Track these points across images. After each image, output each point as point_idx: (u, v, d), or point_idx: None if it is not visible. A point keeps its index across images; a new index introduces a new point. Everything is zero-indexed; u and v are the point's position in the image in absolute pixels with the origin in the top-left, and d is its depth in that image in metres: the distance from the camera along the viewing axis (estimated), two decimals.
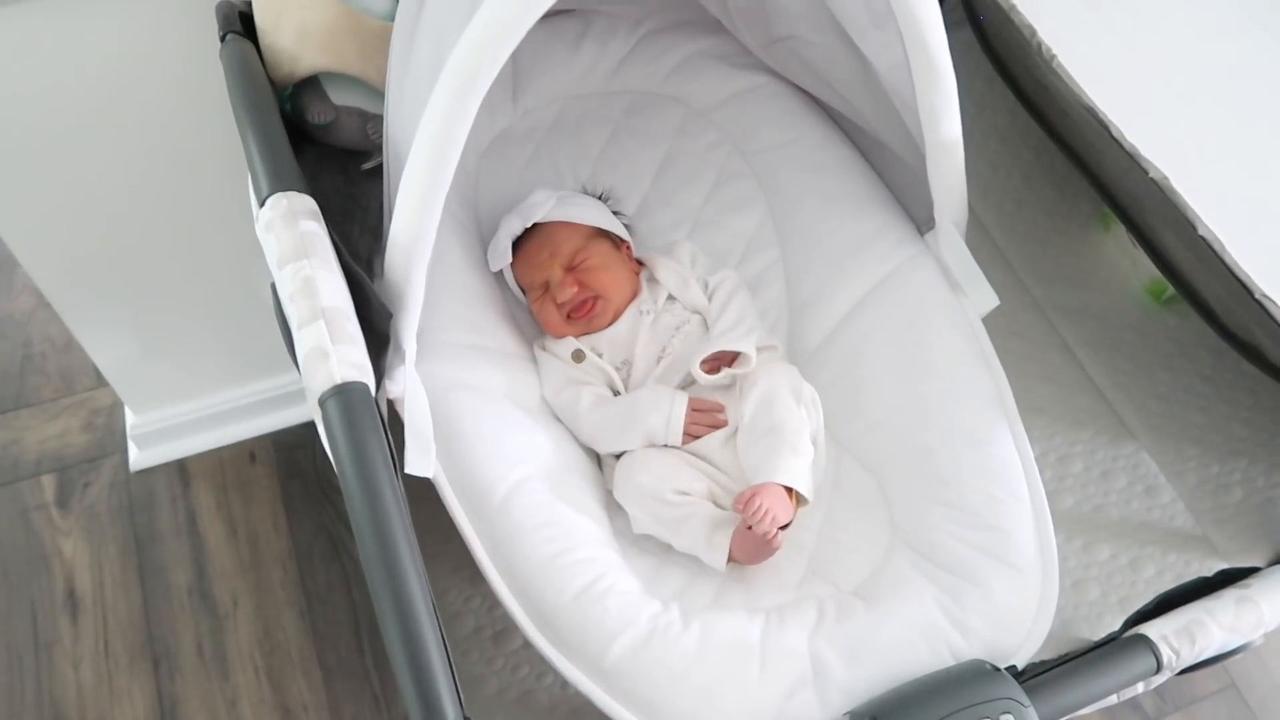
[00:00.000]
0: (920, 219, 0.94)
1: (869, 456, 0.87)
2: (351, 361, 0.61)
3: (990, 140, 1.19)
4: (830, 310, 0.93)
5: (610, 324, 0.90)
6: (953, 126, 0.79)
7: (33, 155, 0.98)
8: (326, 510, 1.36)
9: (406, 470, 0.70)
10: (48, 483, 1.38)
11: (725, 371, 0.87)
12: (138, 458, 1.40)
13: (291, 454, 1.42)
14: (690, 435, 0.84)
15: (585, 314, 0.89)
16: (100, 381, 1.46)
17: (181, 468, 1.41)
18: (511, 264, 0.92)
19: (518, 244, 0.92)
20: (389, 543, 0.54)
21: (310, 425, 1.40)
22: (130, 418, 1.38)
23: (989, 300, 0.89)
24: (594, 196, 0.97)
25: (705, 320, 0.92)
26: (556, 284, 0.90)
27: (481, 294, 0.89)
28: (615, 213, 0.98)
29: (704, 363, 0.87)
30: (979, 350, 0.85)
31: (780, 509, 0.77)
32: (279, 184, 0.68)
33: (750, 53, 1.03)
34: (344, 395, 0.59)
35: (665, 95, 1.05)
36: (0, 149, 0.96)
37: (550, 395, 0.88)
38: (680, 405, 0.84)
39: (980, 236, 1.09)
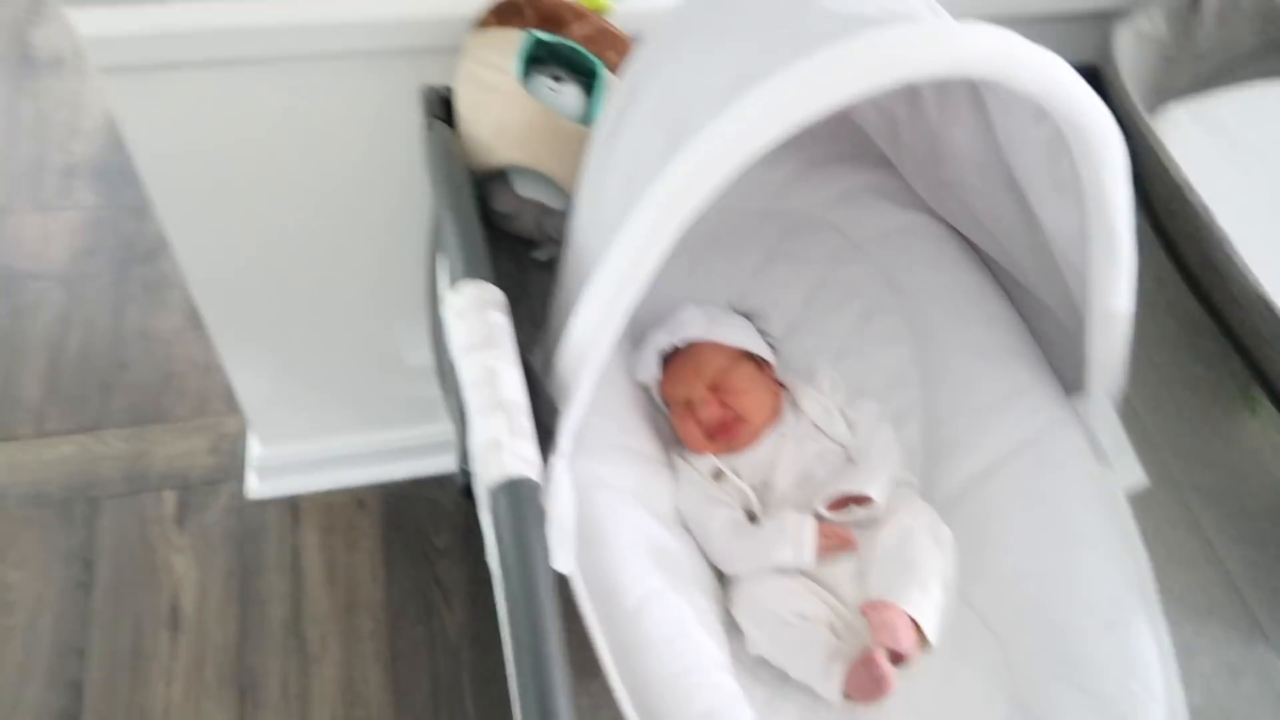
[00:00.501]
0: (1068, 379, 0.93)
1: (995, 620, 0.84)
2: (525, 457, 0.63)
3: (1144, 309, 1.17)
4: (967, 461, 0.92)
5: (750, 445, 0.92)
6: (1123, 300, 0.79)
7: (225, 192, 1.06)
8: (424, 570, 1.39)
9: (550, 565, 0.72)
10: (169, 498, 1.44)
11: (852, 509, 0.87)
12: (255, 487, 1.45)
13: (399, 507, 1.45)
14: (822, 551, 0.84)
15: (726, 434, 0.91)
16: (231, 408, 1.52)
17: (293, 504, 1.45)
18: (660, 380, 0.95)
19: (665, 360, 0.94)
20: (541, 641, 0.56)
21: (420, 483, 1.45)
22: (254, 448, 1.44)
23: (1137, 479, 0.87)
24: (742, 315, 1.00)
25: (848, 451, 0.92)
26: (699, 402, 0.92)
27: (628, 394, 0.91)
28: (761, 331, 1.00)
29: (830, 504, 0.87)
30: (1122, 528, 0.83)
31: (903, 631, 0.76)
32: (474, 272, 0.71)
33: (914, 191, 1.05)
34: (515, 490, 0.62)
35: (824, 222, 1.08)
36: (197, 183, 1.04)
37: (684, 506, 0.89)
38: (809, 532, 0.84)
39: (1123, 405, 1.07)
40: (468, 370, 0.67)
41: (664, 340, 0.94)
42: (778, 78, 0.59)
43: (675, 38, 0.75)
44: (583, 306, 0.68)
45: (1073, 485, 0.86)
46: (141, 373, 1.57)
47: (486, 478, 0.62)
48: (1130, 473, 0.86)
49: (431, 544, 1.41)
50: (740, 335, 0.96)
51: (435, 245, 0.96)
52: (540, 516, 0.61)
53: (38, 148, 1.86)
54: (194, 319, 1.58)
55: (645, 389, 0.97)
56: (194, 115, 0.97)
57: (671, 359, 0.94)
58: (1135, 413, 1.15)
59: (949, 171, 0.95)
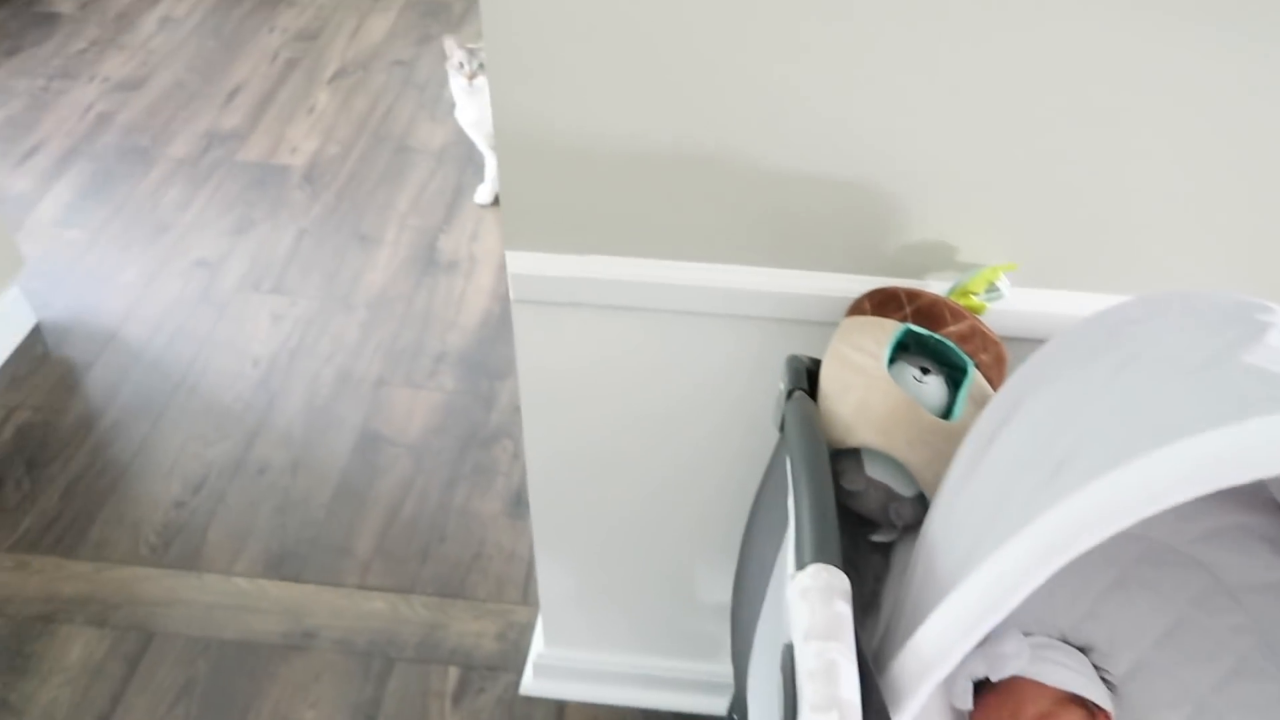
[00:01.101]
0: None
1: None
2: None
3: None
4: None
5: None
6: None
7: (585, 408, 1.16)
8: None
9: None
10: (452, 674, 1.51)
11: None
12: (529, 683, 1.49)
13: None
14: None
15: None
16: (525, 599, 1.60)
17: (560, 708, 1.47)
18: (972, 713, 0.87)
19: (979, 687, 0.86)
20: None
21: (683, 716, 1.42)
22: (538, 644, 1.49)
23: None
24: (1076, 649, 0.90)
25: None
26: None
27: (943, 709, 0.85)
28: (1098, 668, 0.89)
29: None
30: None
31: None
32: (824, 555, 0.71)
33: None
34: None
35: (1190, 558, 0.97)
36: (564, 395, 1.15)
37: None
38: None
39: None
40: (806, 659, 0.65)
41: (980, 668, 0.86)
42: (1201, 440, 0.56)
43: (1070, 358, 0.74)
44: (936, 619, 0.65)
45: None
46: (456, 547, 1.71)
47: None
48: None
49: None
50: (1069, 676, 0.86)
51: (760, 503, 0.98)
52: None
53: (420, 333, 2.16)
54: (511, 507, 1.71)
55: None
56: (578, 345, 1.09)
57: (986, 690, 0.86)
58: None
59: None
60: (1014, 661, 0.86)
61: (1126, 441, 0.61)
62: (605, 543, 1.31)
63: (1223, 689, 0.90)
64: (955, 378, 0.93)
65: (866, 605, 0.85)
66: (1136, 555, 0.99)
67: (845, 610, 0.69)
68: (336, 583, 1.65)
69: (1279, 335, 0.69)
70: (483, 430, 1.91)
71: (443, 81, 2.80)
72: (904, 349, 0.95)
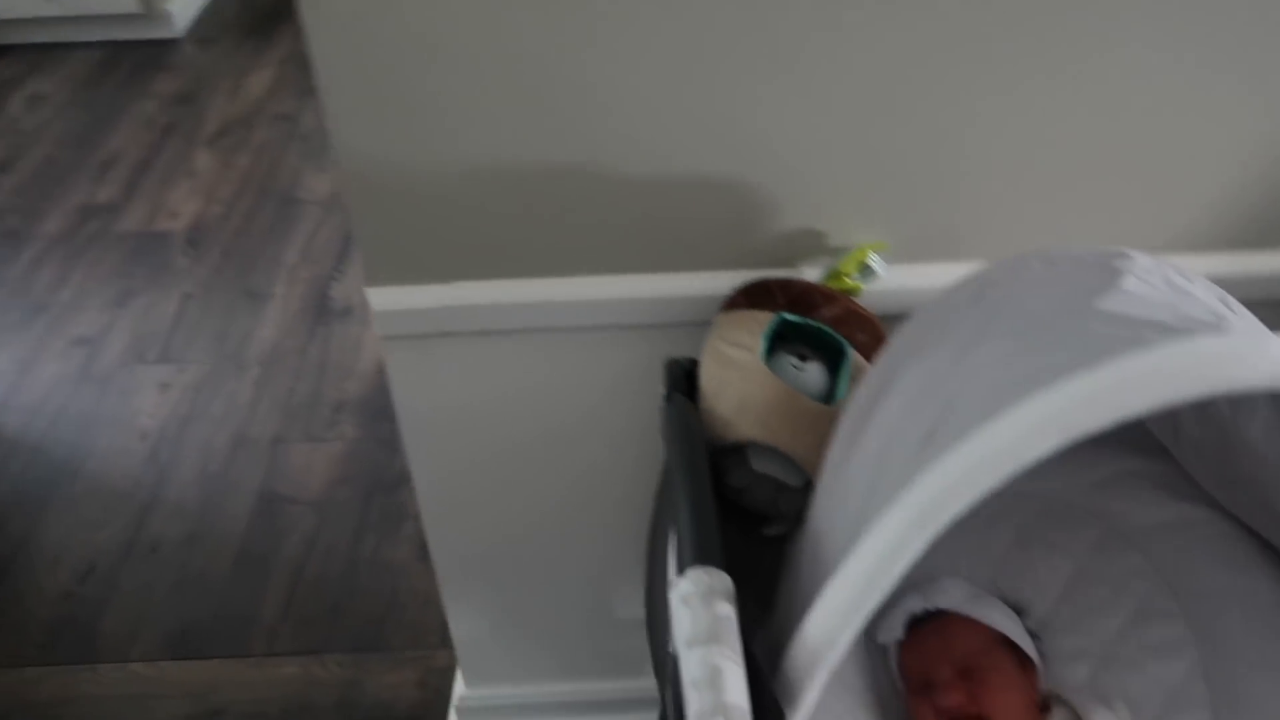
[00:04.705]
0: None
1: None
2: None
3: None
4: None
5: None
6: None
7: (470, 443, 1.12)
8: None
9: None
10: None
11: None
12: None
13: None
14: None
15: None
16: (444, 643, 1.53)
17: None
18: (901, 644, 0.86)
19: (913, 625, 0.85)
20: None
21: None
22: (459, 688, 1.43)
23: None
24: (1010, 606, 0.90)
25: None
26: (941, 686, 0.81)
27: (860, 693, 0.82)
28: (1030, 633, 0.89)
29: None
30: None
31: None
32: (704, 558, 0.69)
33: (1194, 481, 0.94)
34: None
35: (1085, 508, 0.97)
36: (447, 432, 1.10)
37: None
38: None
39: None
40: (690, 667, 0.62)
41: (916, 603, 0.85)
42: (1058, 390, 0.55)
43: (934, 328, 0.73)
44: (821, 606, 0.63)
45: None
46: (368, 600, 1.64)
47: None
48: None
49: None
50: (1006, 621, 0.86)
51: (659, 511, 0.95)
52: None
53: (317, 384, 2.08)
54: (421, 551, 1.65)
55: (877, 660, 0.88)
56: (455, 375, 1.05)
57: (920, 627, 0.85)
58: None
59: (1244, 468, 0.84)
60: (950, 595, 0.85)
61: (988, 402, 0.59)
62: (513, 573, 1.26)
63: (1127, 635, 0.90)
64: (836, 362, 0.91)
65: (766, 603, 0.83)
66: (1034, 513, 0.99)
67: (728, 611, 0.66)
68: (243, 654, 1.56)
69: (1134, 280, 0.69)
70: (387, 475, 1.84)
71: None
72: (782, 339, 0.93)
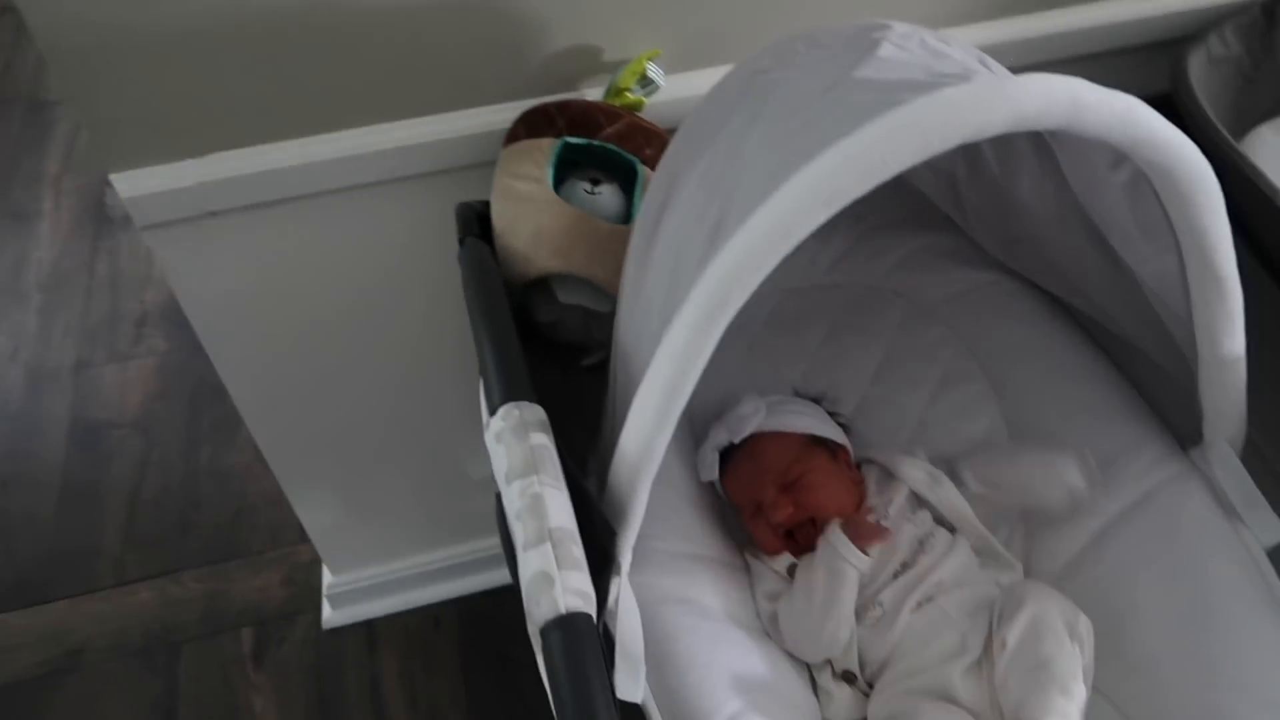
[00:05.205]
0: (1183, 433, 0.84)
1: (1131, 705, 0.75)
2: (576, 589, 0.57)
3: (1254, 343, 1.07)
4: (1076, 531, 0.84)
5: None
6: (1236, 343, 0.71)
7: (273, 328, 1.05)
8: (506, 687, 1.33)
9: (616, 694, 0.65)
10: (246, 635, 1.42)
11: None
12: (330, 616, 1.42)
13: (476, 622, 1.41)
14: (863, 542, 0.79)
15: (806, 533, 0.83)
16: (304, 538, 1.50)
17: (370, 629, 1.41)
18: (721, 478, 0.88)
19: (727, 456, 0.87)
20: None
21: (494, 594, 1.40)
22: (327, 576, 1.41)
23: (1275, 532, 0.77)
24: (809, 399, 0.93)
25: (953, 531, 0.83)
26: (770, 505, 0.84)
27: (694, 497, 0.85)
28: (832, 414, 0.92)
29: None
30: (1267, 589, 0.74)
31: None
32: (511, 394, 0.67)
33: (981, 249, 0.98)
34: (568, 627, 0.56)
35: (888, 289, 1.01)
36: (245, 322, 1.04)
37: (761, 607, 0.82)
38: (840, 539, 0.79)
39: (1248, 451, 0.97)
40: (511, 499, 0.62)
41: (723, 437, 0.86)
42: (820, 160, 0.54)
43: (708, 125, 0.71)
44: (632, 418, 0.63)
45: (1201, 547, 0.77)
46: (215, 511, 1.57)
47: (537, 616, 0.56)
48: (1267, 526, 0.77)
49: (511, 658, 1.35)
50: (807, 420, 0.89)
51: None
52: (596, 653, 0.55)
53: (113, 300, 1.92)
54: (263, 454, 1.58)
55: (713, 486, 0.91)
56: (235, 258, 0.97)
57: (733, 456, 0.87)
58: (1263, 458, 1.04)
59: (1020, 226, 0.89)
60: (753, 419, 0.87)
61: (764, 186, 0.59)
62: (354, 455, 1.23)
63: (935, 401, 0.95)
64: (630, 182, 0.89)
65: (591, 430, 0.83)
66: (842, 304, 1.02)
67: (543, 441, 0.65)
68: (92, 589, 1.49)
69: (890, 48, 0.68)
70: (210, 381, 1.73)
71: None
72: (574, 166, 0.90)
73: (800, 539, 0.83)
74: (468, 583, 1.44)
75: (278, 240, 0.97)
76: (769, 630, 0.82)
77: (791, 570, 0.83)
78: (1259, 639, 0.71)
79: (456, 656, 1.38)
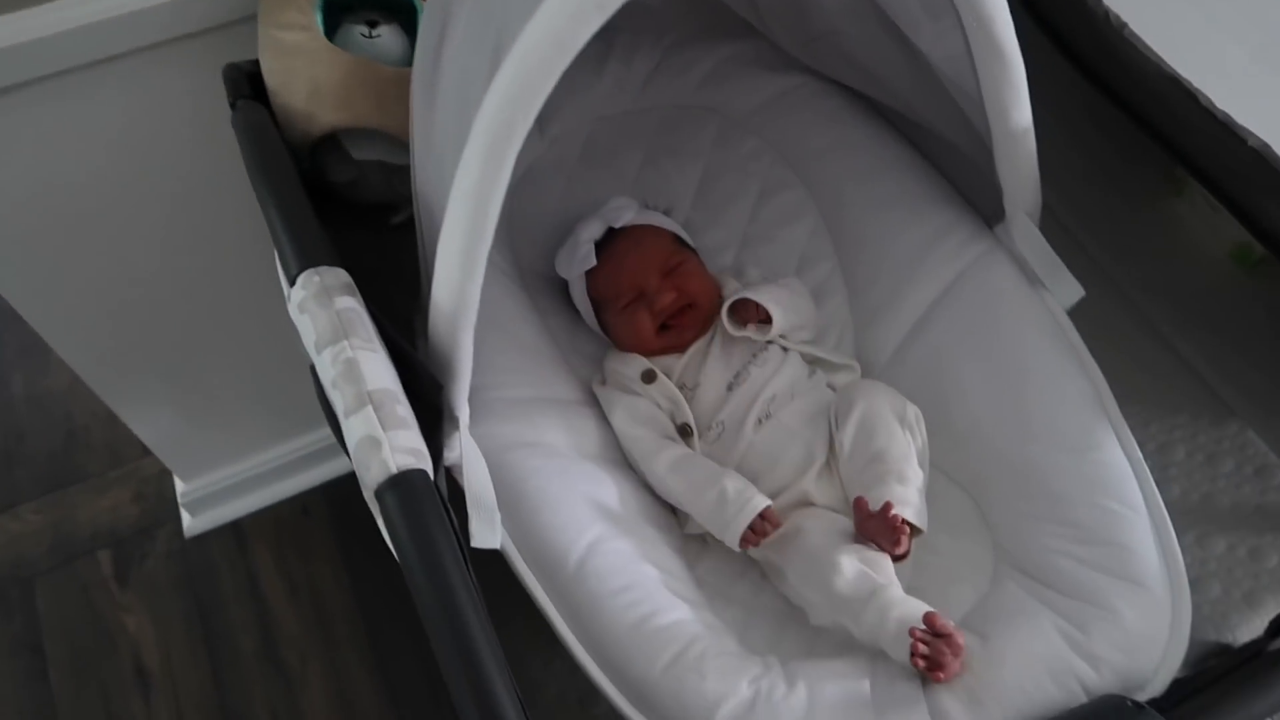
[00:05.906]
0: (987, 212, 0.87)
1: (961, 473, 0.81)
2: (406, 447, 0.56)
3: (1046, 115, 1.11)
4: (899, 319, 0.87)
5: (699, 337, 0.86)
6: (1023, 115, 0.74)
7: (48, 241, 0.96)
8: (388, 562, 1.32)
9: (473, 544, 0.66)
10: (104, 558, 1.36)
11: (752, 330, 0.84)
12: (191, 524, 1.37)
13: (346, 505, 1.39)
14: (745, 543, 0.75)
15: (681, 323, 0.85)
16: (147, 451, 1.43)
17: (237, 529, 1.38)
18: (590, 272, 0.87)
19: (601, 248, 0.87)
20: (462, 639, 0.50)
21: None
22: (179, 485, 1.36)
23: (1073, 292, 0.82)
24: (659, 213, 0.93)
25: (785, 347, 0.86)
26: (654, 290, 0.85)
27: (530, 342, 0.84)
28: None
29: (732, 313, 0.85)
30: (1069, 347, 0.79)
31: (901, 538, 0.72)
32: (308, 260, 0.63)
33: (785, 53, 0.97)
34: (402, 486, 0.55)
35: (698, 107, 1.00)
36: (14, 237, 0.93)
37: (621, 429, 0.82)
38: (748, 516, 0.75)
39: (1046, 219, 1.03)
40: (324, 368, 0.59)
41: (597, 227, 0.86)
42: None
43: None
44: (439, 267, 0.61)
45: (1011, 316, 0.82)
46: (42, 439, 1.48)
47: (368, 480, 0.55)
48: (1066, 287, 0.82)
49: None
50: (671, 222, 0.91)
51: None
52: (436, 508, 0.54)
53: None
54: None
55: (553, 316, 0.90)
56: None
57: (608, 247, 0.87)
58: (1060, 225, 1.10)
59: (817, 23, 0.88)
60: (629, 209, 0.88)
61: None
62: (172, 359, 1.15)
63: (757, 214, 0.96)
64: (411, 20, 0.83)
65: (412, 290, 0.80)
66: (655, 126, 1.00)
67: (350, 303, 0.62)
68: None
69: None
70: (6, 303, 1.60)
71: None
72: (347, 10, 0.83)
73: (674, 326, 0.85)
74: (331, 467, 1.41)
75: (32, 132, 0.86)
76: (627, 451, 0.82)
77: (647, 375, 0.84)
78: (1065, 393, 0.77)
79: (331, 540, 1.37)
